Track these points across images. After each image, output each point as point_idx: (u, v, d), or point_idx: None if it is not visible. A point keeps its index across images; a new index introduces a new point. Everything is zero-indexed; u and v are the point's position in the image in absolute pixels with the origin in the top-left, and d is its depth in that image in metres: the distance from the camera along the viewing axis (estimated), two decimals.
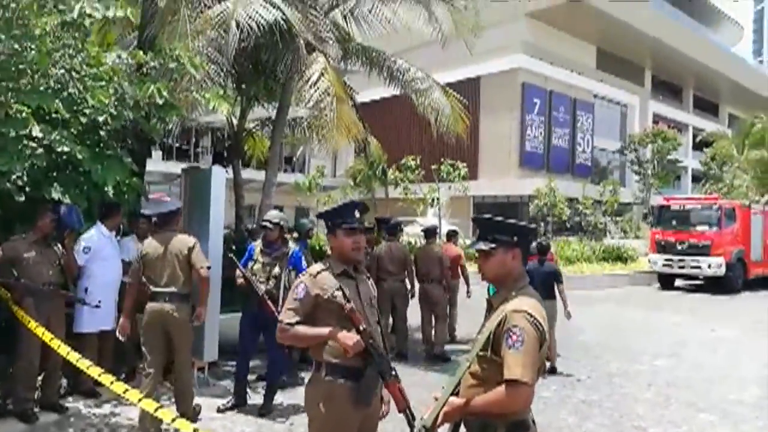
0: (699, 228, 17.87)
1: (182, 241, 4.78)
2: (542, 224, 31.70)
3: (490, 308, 2.28)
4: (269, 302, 5.20)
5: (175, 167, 22.41)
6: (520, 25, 35.13)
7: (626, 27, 36.24)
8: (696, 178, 42.74)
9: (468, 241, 9.98)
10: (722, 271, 17.12)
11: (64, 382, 5.47)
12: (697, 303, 15.30)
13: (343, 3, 8.84)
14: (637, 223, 32.72)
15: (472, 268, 7.83)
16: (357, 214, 2.64)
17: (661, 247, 18.35)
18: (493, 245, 2.25)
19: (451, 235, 9.55)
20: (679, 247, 17.90)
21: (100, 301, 5.31)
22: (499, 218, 2.33)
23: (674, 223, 18.56)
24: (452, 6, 8.74)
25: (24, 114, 4.80)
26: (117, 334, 4.91)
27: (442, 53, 11.03)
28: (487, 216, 2.37)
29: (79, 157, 5.18)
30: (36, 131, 4.82)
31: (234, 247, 6.87)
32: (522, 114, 35.31)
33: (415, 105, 9.37)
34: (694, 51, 41.13)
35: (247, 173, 13.21)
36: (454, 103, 9.17)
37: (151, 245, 4.76)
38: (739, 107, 50.31)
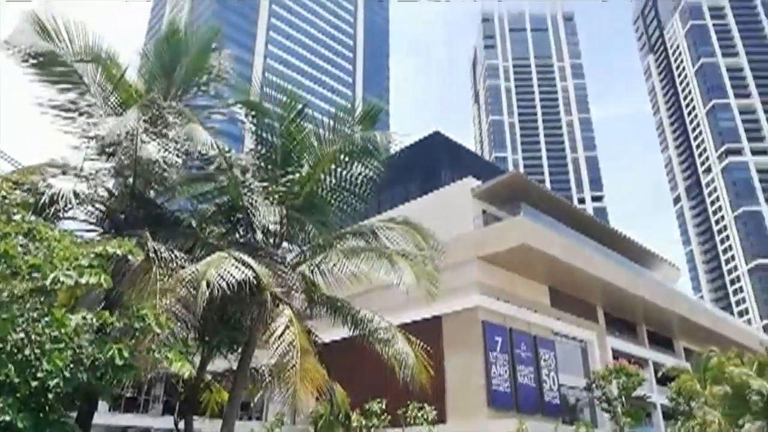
0: None
1: None
2: None
3: None
4: None
5: (122, 419, 20.77)
6: (474, 268, 37.30)
7: (573, 269, 38.87)
8: (667, 415, 41.75)
9: None
10: None
11: None
12: None
13: (311, 259, 9.41)
14: None
15: None
16: None
17: None
18: None
19: None
20: None
21: None
22: None
23: None
24: (411, 260, 9.37)
25: None
26: None
27: (403, 294, 11.43)
28: None
29: (20, 425, 4.83)
30: None
31: None
32: (485, 352, 35.35)
33: (379, 353, 9.39)
34: (639, 290, 43.77)
35: (200, 423, 12.32)
36: (417, 352, 9.25)
37: None
38: (692, 341, 51.96)
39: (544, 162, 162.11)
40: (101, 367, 5.50)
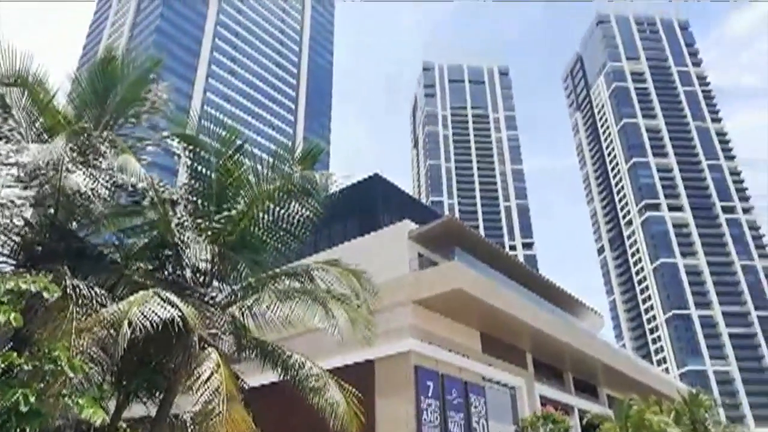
0: None
1: None
2: None
3: None
4: None
5: None
6: (408, 311, 37.28)
7: (505, 315, 39.57)
8: None
9: None
10: None
11: None
12: None
13: (242, 300, 9.09)
14: None
15: None
16: None
17: None
18: None
19: None
20: None
21: None
22: None
23: None
24: (347, 304, 9.24)
25: None
26: None
27: (336, 337, 11.20)
28: None
29: None
30: None
31: None
32: (417, 398, 35.02)
33: (310, 400, 9.09)
34: (567, 337, 45.04)
35: None
36: (349, 399, 9.01)
37: None
38: (615, 389, 53.69)
39: (479, 208, 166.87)
40: (3, 414, 5.01)
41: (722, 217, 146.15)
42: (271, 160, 10.08)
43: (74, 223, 8.61)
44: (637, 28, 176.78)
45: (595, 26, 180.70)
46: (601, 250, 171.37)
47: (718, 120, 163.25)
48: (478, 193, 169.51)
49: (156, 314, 6.75)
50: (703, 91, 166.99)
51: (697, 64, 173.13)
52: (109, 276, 7.92)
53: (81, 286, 6.92)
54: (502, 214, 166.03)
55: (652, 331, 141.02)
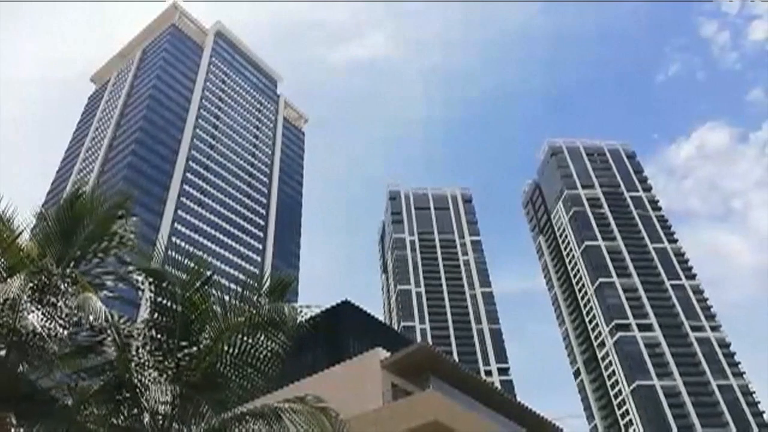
0: None
1: None
2: None
3: None
4: None
5: None
6: None
7: None
8: None
9: None
10: None
11: None
12: None
13: None
14: None
15: None
16: None
17: None
18: None
19: None
20: None
21: None
22: None
23: None
24: None
25: None
26: None
27: None
28: None
29: None
30: None
31: None
32: None
33: None
34: None
35: None
36: None
37: None
38: None
39: (451, 333, 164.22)
40: None
41: (692, 336, 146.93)
42: (239, 290, 9.90)
43: (25, 365, 8.08)
44: (588, 158, 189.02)
45: (550, 157, 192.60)
46: (577, 373, 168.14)
47: (675, 241, 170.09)
48: (450, 317, 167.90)
49: None
50: (656, 215, 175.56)
51: (647, 189, 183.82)
52: (60, 423, 7.30)
53: None
54: (475, 339, 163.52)
55: None
